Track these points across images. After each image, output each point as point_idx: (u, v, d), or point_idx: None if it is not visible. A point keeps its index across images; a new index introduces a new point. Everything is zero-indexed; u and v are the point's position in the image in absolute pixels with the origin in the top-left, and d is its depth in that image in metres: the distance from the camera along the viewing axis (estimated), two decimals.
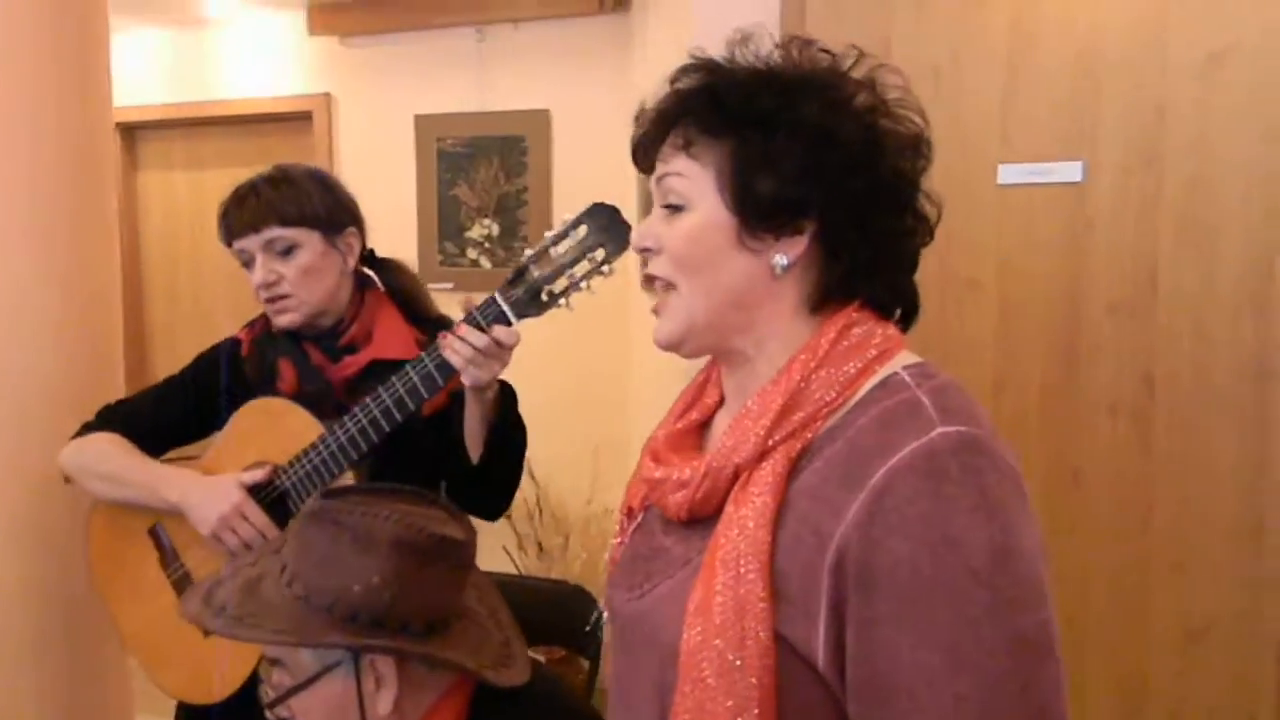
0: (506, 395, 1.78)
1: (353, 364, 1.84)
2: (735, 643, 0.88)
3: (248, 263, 1.85)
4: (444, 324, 1.85)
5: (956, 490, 0.85)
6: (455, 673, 1.29)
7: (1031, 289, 2.26)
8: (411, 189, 4.31)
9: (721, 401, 1.10)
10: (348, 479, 1.75)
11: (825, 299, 1.01)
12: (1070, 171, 2.22)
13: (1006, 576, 0.84)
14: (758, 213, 0.98)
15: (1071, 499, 2.28)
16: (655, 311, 1.04)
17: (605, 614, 1.16)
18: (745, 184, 0.98)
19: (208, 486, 1.79)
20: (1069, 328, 2.26)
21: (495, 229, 4.24)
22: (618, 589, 1.09)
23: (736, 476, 0.95)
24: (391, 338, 1.85)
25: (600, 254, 1.57)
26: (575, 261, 1.59)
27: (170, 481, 1.83)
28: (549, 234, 1.62)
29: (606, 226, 1.57)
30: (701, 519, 0.99)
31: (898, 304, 1.04)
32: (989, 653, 0.82)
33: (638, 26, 3.81)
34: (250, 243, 1.83)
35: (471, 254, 4.26)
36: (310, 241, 1.83)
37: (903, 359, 0.98)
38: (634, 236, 1.05)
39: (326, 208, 1.85)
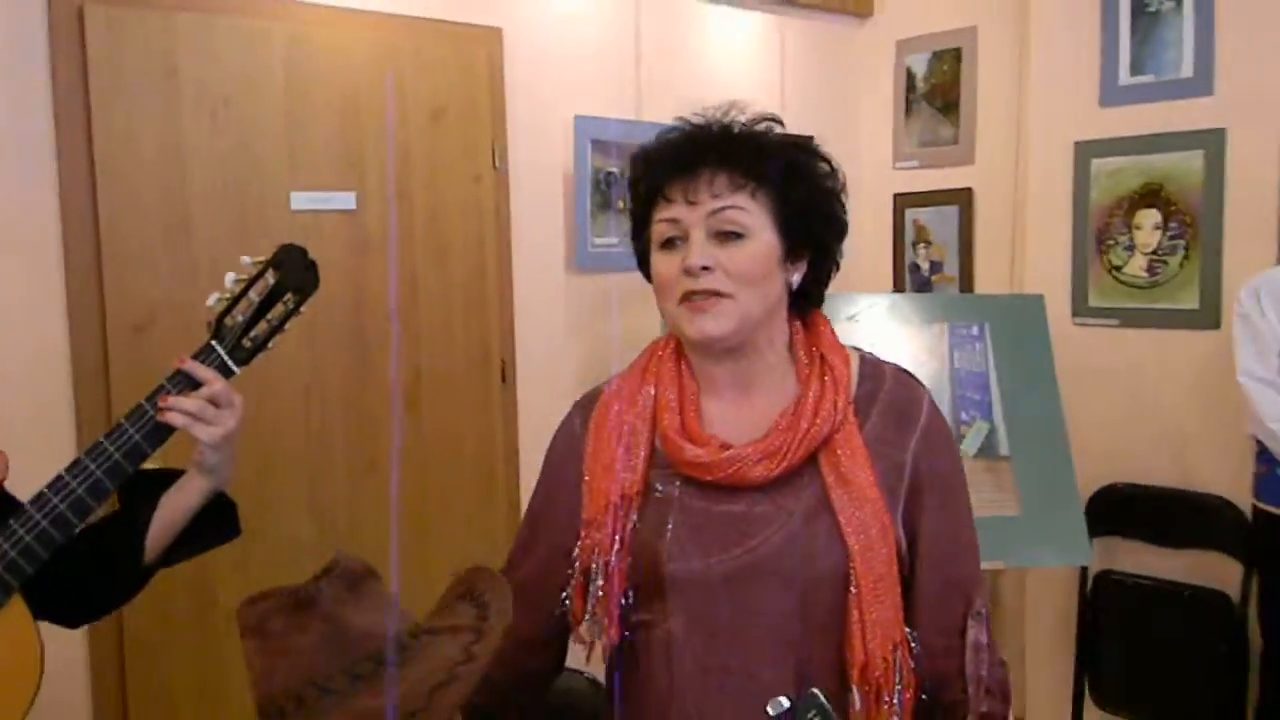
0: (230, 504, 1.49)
1: None
2: (886, 547, 1.25)
3: None
4: None
5: (945, 419, 1.36)
6: None
7: (330, 303, 2.54)
8: None
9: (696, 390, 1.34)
10: (16, 606, 1.31)
11: (801, 306, 1.35)
12: (347, 200, 2.57)
13: None
14: (797, 245, 1.30)
15: (370, 485, 2.63)
16: (698, 311, 1.25)
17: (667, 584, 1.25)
18: (796, 224, 1.28)
19: None
20: (359, 335, 2.61)
21: None
22: (688, 558, 1.25)
23: (826, 441, 1.27)
24: None
25: (291, 299, 1.45)
26: (269, 306, 1.44)
27: None
28: (235, 278, 1.44)
29: (297, 268, 1.45)
30: (777, 480, 1.26)
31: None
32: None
33: None
34: None
35: None
36: None
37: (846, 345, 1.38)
38: (692, 259, 1.24)
39: None
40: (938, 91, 3.67)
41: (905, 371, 1.38)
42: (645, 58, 3.20)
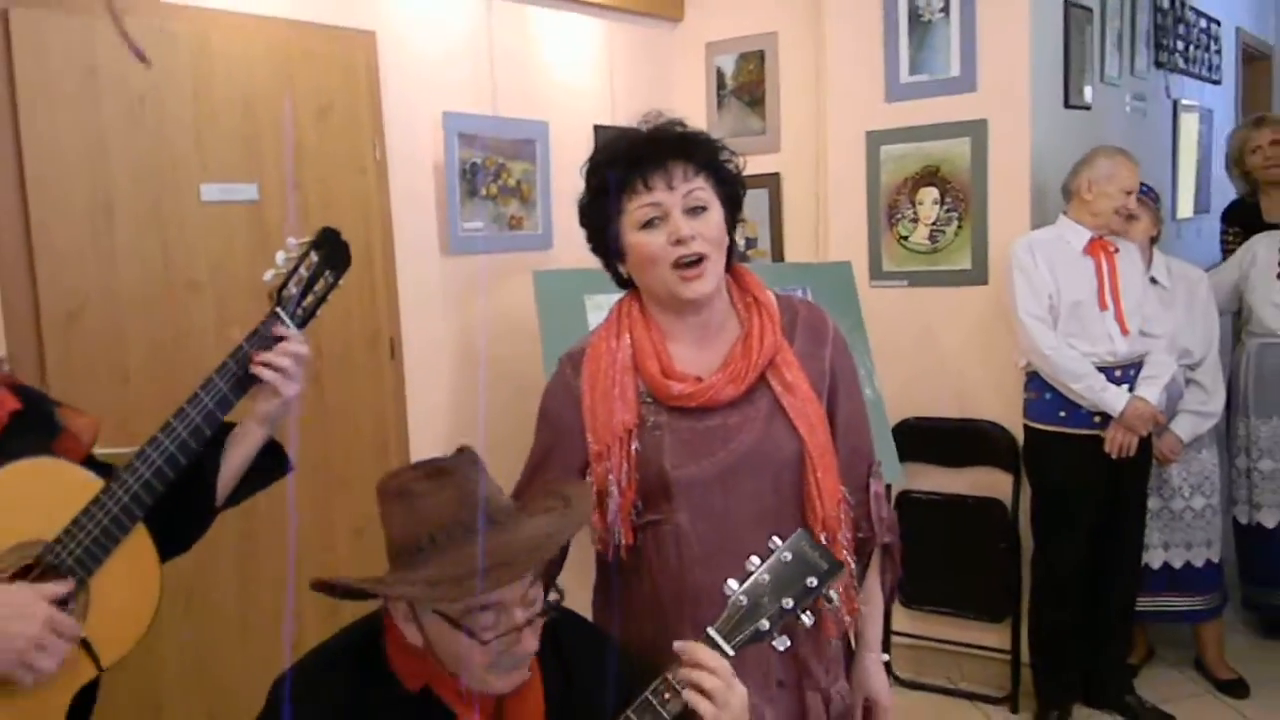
0: (280, 451, 1.72)
1: None
2: (825, 431, 1.67)
3: None
4: None
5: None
6: None
7: (238, 288, 2.74)
8: None
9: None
10: (140, 534, 1.54)
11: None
12: (250, 192, 2.77)
13: None
14: (736, 213, 1.67)
15: None
16: (692, 278, 1.62)
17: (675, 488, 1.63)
18: (729, 198, 1.68)
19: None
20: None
21: None
22: (686, 465, 1.63)
23: (770, 362, 1.67)
24: None
25: (330, 275, 1.70)
26: (315, 281, 1.69)
27: None
28: (286, 256, 1.68)
29: (335, 249, 1.70)
30: (740, 397, 1.65)
31: None
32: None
33: None
34: None
35: None
36: None
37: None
38: (683, 231, 1.59)
39: None
40: (745, 88, 4.17)
41: (806, 300, 1.82)
42: (498, 59, 3.52)
